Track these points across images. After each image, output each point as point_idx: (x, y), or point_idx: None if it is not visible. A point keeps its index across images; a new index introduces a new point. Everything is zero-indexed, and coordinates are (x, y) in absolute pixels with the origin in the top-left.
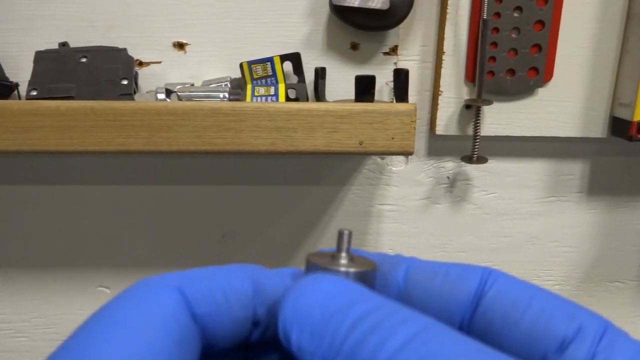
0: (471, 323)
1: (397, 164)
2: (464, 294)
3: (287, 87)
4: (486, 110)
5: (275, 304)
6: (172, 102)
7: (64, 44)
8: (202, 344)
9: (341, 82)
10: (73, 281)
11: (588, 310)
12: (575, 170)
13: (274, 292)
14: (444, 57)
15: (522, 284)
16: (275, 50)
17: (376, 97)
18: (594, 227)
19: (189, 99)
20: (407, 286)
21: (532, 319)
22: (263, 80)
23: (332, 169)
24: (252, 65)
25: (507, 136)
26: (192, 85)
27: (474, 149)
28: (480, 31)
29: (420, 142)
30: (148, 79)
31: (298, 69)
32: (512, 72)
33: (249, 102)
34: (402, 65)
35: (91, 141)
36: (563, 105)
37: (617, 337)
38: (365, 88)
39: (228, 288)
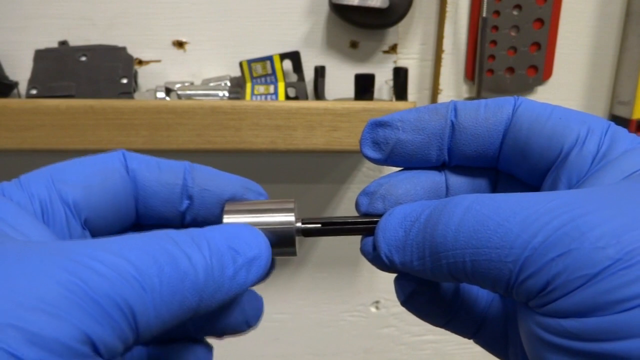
0: (506, 134)
1: None
2: (504, 115)
3: (287, 85)
4: None
5: (208, 192)
6: (172, 100)
7: (63, 43)
8: (137, 199)
9: (341, 81)
10: None
11: (595, 116)
12: None
13: (210, 182)
14: (443, 55)
15: (544, 104)
16: (274, 49)
17: (375, 95)
18: None
19: (189, 97)
20: (458, 119)
21: (552, 123)
22: (263, 79)
23: (331, 168)
24: (252, 64)
25: None
26: (192, 83)
27: None
28: (479, 29)
29: None
30: (148, 78)
31: (298, 67)
32: (511, 70)
33: (248, 101)
34: (401, 63)
35: (91, 140)
36: (562, 103)
37: (618, 131)
38: (364, 86)
39: (163, 162)
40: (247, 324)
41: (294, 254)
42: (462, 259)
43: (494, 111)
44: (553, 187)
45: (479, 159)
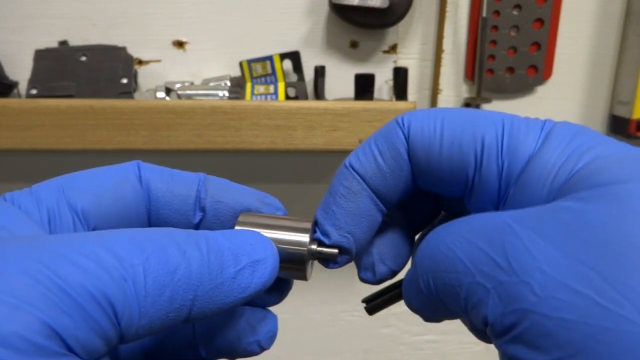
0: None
1: None
2: (400, 152)
3: (287, 85)
4: (485, 108)
5: (221, 204)
6: (172, 100)
7: (63, 43)
8: (150, 209)
9: (341, 81)
10: None
11: (489, 117)
12: None
13: (224, 194)
14: (443, 55)
15: (432, 121)
16: (274, 49)
17: (375, 95)
18: None
19: (189, 97)
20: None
21: (447, 153)
22: (263, 79)
23: (331, 167)
24: (252, 64)
25: None
26: (192, 83)
27: None
28: (479, 29)
29: None
30: (148, 78)
31: (298, 67)
32: (511, 70)
33: (248, 101)
34: (401, 63)
35: (91, 140)
36: (562, 103)
37: (515, 131)
38: (364, 86)
39: (177, 172)
40: (259, 345)
41: (304, 278)
42: (426, 279)
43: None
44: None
45: (399, 193)
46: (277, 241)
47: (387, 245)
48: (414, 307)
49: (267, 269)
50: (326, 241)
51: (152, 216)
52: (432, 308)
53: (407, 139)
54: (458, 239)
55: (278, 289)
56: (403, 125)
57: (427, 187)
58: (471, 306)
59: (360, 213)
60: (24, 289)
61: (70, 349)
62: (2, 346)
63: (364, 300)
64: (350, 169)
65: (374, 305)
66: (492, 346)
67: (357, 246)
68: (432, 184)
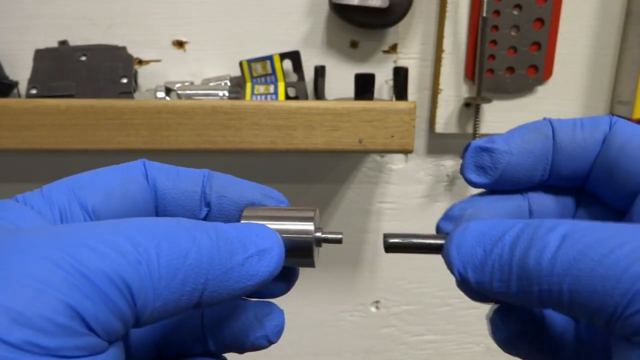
0: (598, 155)
1: (396, 162)
2: (599, 135)
3: (287, 85)
4: (485, 108)
5: (226, 199)
6: (172, 100)
7: (63, 43)
8: (157, 206)
9: (341, 81)
10: None
11: None
12: None
13: (229, 189)
14: (443, 55)
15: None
16: (274, 49)
17: (376, 95)
18: None
19: (189, 97)
20: (556, 138)
21: None
22: (263, 79)
23: (331, 167)
24: (252, 64)
25: None
26: (192, 83)
27: None
28: (479, 29)
29: (419, 140)
30: (148, 78)
31: (298, 67)
32: (511, 70)
33: (248, 101)
34: (401, 63)
35: (91, 139)
36: (562, 103)
37: None
38: (364, 86)
39: (182, 170)
40: (267, 339)
41: (311, 265)
42: (559, 287)
43: (590, 131)
44: None
45: (571, 179)
46: (284, 231)
47: (492, 209)
48: (467, 286)
49: (273, 258)
50: (488, 143)
51: (159, 213)
52: (508, 298)
53: (610, 127)
54: (616, 246)
55: (285, 278)
56: (610, 119)
57: (599, 174)
58: (629, 313)
59: (531, 149)
60: (47, 274)
61: (91, 329)
62: (28, 327)
63: (387, 235)
64: (548, 122)
65: (395, 243)
66: (492, 346)
67: (501, 169)
68: (607, 171)
